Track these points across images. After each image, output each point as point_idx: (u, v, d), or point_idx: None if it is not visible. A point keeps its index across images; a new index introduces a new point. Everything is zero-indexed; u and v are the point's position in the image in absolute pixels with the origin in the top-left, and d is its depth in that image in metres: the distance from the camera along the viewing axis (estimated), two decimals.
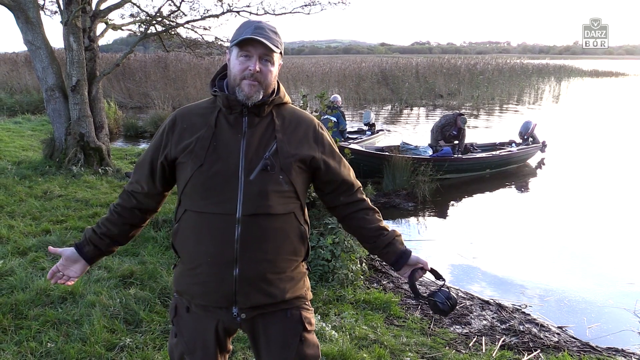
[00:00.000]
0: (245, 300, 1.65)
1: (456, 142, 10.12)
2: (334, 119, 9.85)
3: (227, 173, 1.61)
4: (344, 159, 1.85)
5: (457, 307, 4.29)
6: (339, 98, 11.32)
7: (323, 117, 9.30)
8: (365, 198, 1.87)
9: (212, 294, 1.66)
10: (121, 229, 1.83)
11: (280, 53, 1.69)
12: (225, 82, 1.72)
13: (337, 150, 1.83)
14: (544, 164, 11.01)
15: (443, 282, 1.85)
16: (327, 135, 1.81)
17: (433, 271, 1.86)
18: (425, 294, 1.84)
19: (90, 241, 1.82)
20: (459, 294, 4.64)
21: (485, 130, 15.33)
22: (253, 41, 1.61)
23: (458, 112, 10.44)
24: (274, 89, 1.73)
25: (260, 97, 1.65)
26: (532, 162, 11.06)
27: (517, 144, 10.80)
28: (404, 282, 4.85)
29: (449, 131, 10.13)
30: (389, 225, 1.87)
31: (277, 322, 1.72)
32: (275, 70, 1.68)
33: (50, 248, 1.86)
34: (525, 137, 10.98)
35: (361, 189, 1.88)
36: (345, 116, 10.89)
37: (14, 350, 2.97)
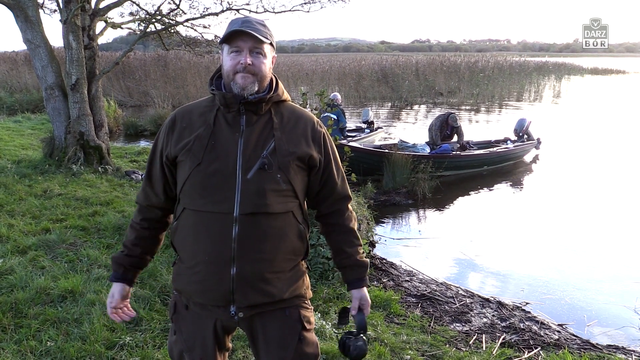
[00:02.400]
0: (243, 300, 1.64)
1: (453, 140, 10.21)
2: (334, 116, 9.85)
3: (225, 172, 1.60)
4: (340, 165, 1.83)
5: (457, 305, 4.30)
6: (339, 96, 11.32)
7: (323, 115, 9.29)
8: (344, 214, 1.83)
9: (210, 292, 1.65)
10: (155, 240, 1.86)
11: (272, 44, 1.67)
12: (222, 81, 1.71)
13: (335, 152, 1.81)
14: (538, 160, 11.08)
15: (361, 332, 1.83)
16: (326, 134, 1.79)
17: (361, 324, 1.84)
18: (345, 331, 1.85)
19: (132, 267, 1.82)
20: (459, 292, 4.64)
21: (485, 128, 15.33)
22: (241, 34, 1.60)
23: (449, 112, 10.51)
24: (273, 85, 1.72)
25: (256, 88, 1.63)
26: (527, 158, 11.13)
27: (512, 141, 10.87)
28: (404, 280, 4.86)
29: (444, 131, 10.23)
30: (356, 249, 1.83)
31: (275, 321, 1.72)
32: (268, 62, 1.67)
33: (115, 318, 1.84)
34: (520, 134, 11.10)
35: (347, 200, 1.84)
36: (345, 114, 10.89)
37: (14, 349, 2.97)
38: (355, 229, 1.86)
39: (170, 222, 1.86)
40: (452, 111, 10.72)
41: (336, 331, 1.81)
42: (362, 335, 1.81)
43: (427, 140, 10.33)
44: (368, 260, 1.89)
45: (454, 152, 9.51)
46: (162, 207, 1.80)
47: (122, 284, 1.82)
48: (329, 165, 1.77)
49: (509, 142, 10.84)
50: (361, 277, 1.85)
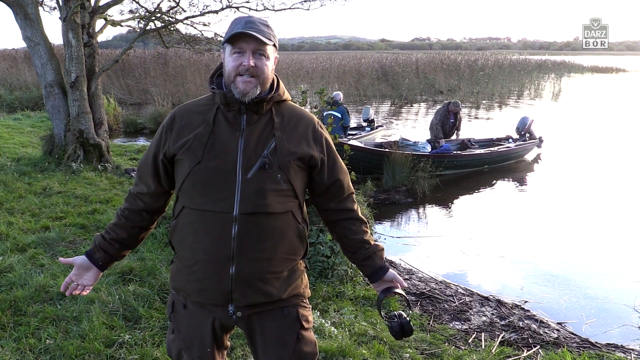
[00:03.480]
0: (242, 299, 1.64)
1: (453, 138, 10.24)
2: (338, 114, 9.84)
3: (225, 171, 1.60)
4: (342, 162, 1.82)
5: (456, 304, 4.30)
6: (341, 95, 11.31)
7: (326, 113, 9.26)
8: (355, 207, 1.84)
9: (209, 291, 1.65)
10: (130, 233, 1.82)
11: (274, 45, 1.66)
12: (223, 80, 1.70)
13: (336, 152, 1.81)
14: (540, 159, 11.04)
15: (401, 312, 1.86)
16: (326, 134, 1.79)
17: (405, 298, 1.89)
18: (386, 315, 1.87)
19: (100, 247, 1.81)
20: (459, 290, 4.64)
21: (485, 126, 15.30)
22: (244, 36, 1.58)
23: (447, 102, 10.54)
24: (274, 85, 1.71)
25: (258, 92, 1.62)
26: (529, 157, 11.09)
27: (514, 140, 10.82)
28: (403, 278, 4.85)
29: (447, 123, 10.20)
30: (373, 238, 1.87)
31: (273, 320, 1.72)
32: (270, 63, 1.66)
33: (62, 259, 1.85)
34: (522, 132, 11.02)
35: (353, 196, 1.86)
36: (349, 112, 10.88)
37: (13, 347, 2.97)
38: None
39: (152, 226, 1.89)
40: (450, 101, 10.71)
41: (387, 322, 1.86)
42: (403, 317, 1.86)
43: (429, 137, 10.32)
44: None
45: (455, 152, 9.48)
46: (148, 201, 1.79)
47: (95, 267, 1.83)
48: (336, 164, 1.77)
49: (510, 140, 10.81)
50: (382, 264, 1.84)
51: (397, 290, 1.83)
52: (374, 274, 1.83)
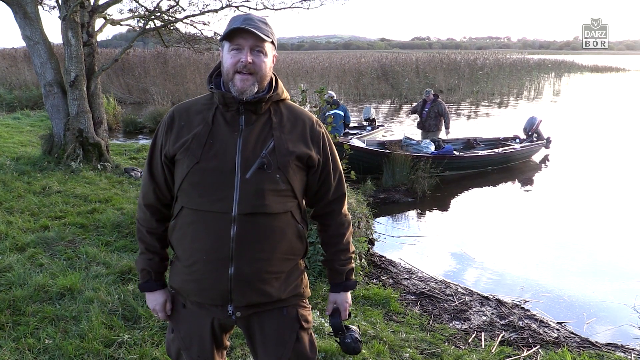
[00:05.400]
0: (241, 299, 1.63)
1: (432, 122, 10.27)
2: (341, 112, 9.84)
3: (224, 171, 1.59)
4: (339, 163, 1.81)
5: (456, 303, 4.29)
6: (334, 94, 11.30)
7: (330, 112, 9.23)
8: (340, 213, 1.81)
9: (208, 291, 1.64)
10: (161, 237, 1.80)
11: (273, 43, 1.65)
12: (222, 79, 1.69)
13: (334, 152, 1.79)
14: (548, 160, 10.94)
15: (344, 334, 1.86)
16: (325, 133, 1.77)
17: (342, 325, 1.87)
18: (339, 333, 1.87)
19: (160, 271, 1.79)
20: (459, 290, 4.64)
21: (486, 125, 15.29)
22: (243, 32, 1.57)
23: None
24: (272, 84, 1.70)
25: (255, 89, 1.61)
26: (536, 158, 11.00)
27: (521, 140, 10.73)
28: (403, 277, 4.85)
29: (422, 113, 10.29)
30: (349, 249, 1.83)
31: (273, 320, 1.71)
32: (268, 61, 1.64)
33: (161, 316, 1.81)
34: (530, 133, 10.88)
35: (341, 199, 1.82)
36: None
37: (12, 347, 2.96)
38: (347, 234, 1.83)
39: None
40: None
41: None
42: (346, 334, 1.84)
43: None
44: (352, 266, 1.85)
45: (458, 153, 9.42)
46: (171, 204, 1.76)
47: (159, 295, 1.79)
48: (327, 165, 1.75)
49: (517, 140, 10.72)
50: (337, 282, 1.84)
51: (331, 319, 1.85)
52: (331, 284, 1.87)
